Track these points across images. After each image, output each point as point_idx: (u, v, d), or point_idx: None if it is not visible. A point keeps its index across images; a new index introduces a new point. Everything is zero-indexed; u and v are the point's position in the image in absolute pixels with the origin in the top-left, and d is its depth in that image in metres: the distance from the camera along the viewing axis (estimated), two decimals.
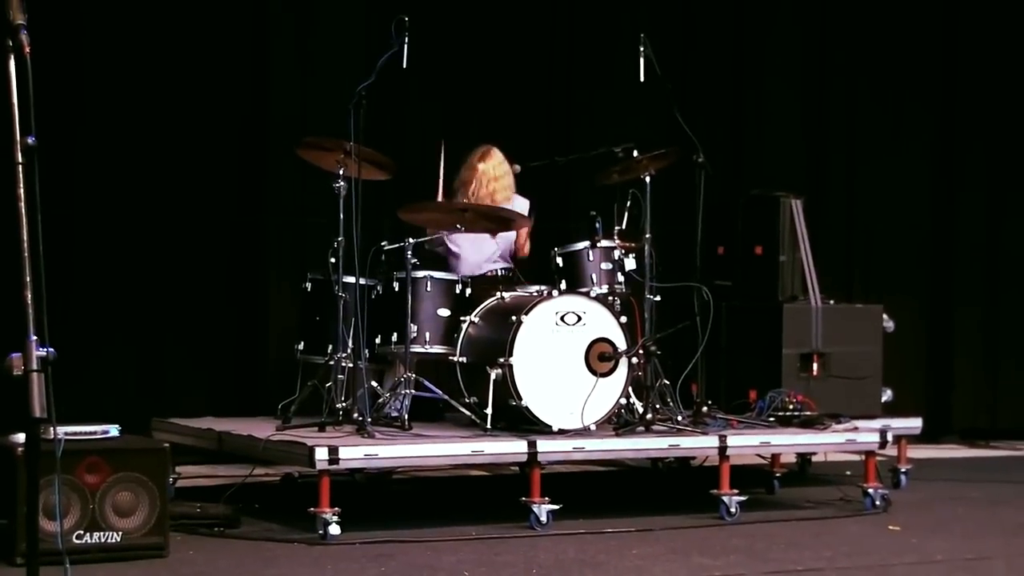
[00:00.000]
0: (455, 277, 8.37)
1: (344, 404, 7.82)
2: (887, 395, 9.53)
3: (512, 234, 8.86)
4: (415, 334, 8.07)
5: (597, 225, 8.34)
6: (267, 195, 9.84)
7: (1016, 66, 12.29)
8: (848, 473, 9.31)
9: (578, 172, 9.71)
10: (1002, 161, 12.31)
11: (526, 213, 8.72)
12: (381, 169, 8.20)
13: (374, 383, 8.17)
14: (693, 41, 11.27)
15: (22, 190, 4.25)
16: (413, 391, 7.95)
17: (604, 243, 8.36)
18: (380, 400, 8.06)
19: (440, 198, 8.57)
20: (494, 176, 8.86)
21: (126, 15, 9.41)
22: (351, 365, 7.96)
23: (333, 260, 7.89)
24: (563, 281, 8.29)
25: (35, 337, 4.17)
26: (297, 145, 8.19)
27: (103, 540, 6.26)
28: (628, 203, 8.44)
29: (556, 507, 7.36)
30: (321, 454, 6.92)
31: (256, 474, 8.10)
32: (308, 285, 8.41)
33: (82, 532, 6.22)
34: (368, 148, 7.93)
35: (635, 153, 8.49)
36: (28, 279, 4.20)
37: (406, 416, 7.76)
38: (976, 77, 12.21)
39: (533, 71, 10.67)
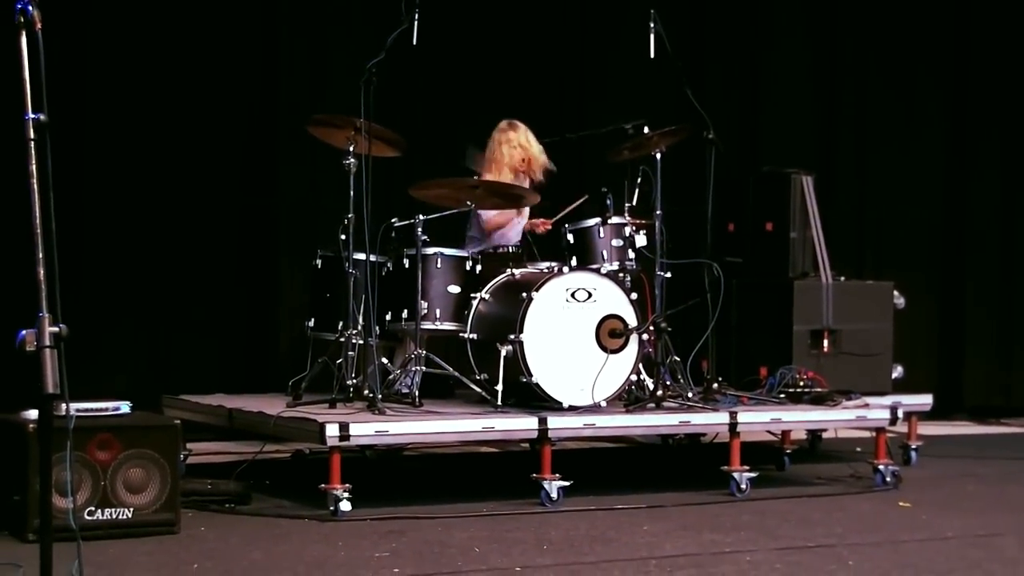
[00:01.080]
0: (465, 254, 8.36)
1: (355, 381, 7.82)
2: (898, 372, 9.53)
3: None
4: (425, 311, 8.07)
5: (608, 202, 8.34)
6: (278, 173, 9.85)
7: None
8: (858, 450, 9.32)
9: (590, 149, 9.70)
10: (1017, 136, 12.29)
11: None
12: (391, 146, 8.20)
13: (384, 360, 8.18)
14: (705, 17, 11.27)
15: (34, 167, 4.25)
16: (423, 368, 7.96)
17: (615, 220, 8.36)
18: (390, 377, 8.07)
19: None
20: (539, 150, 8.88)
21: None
22: (362, 342, 7.96)
23: (343, 237, 7.89)
24: (574, 258, 8.29)
25: (47, 314, 4.17)
26: (307, 123, 8.19)
27: (114, 516, 6.28)
28: (639, 180, 8.43)
29: (567, 484, 7.37)
30: (332, 431, 6.93)
31: (267, 451, 8.11)
32: (318, 262, 8.41)
33: (94, 508, 6.23)
34: (378, 125, 7.92)
35: (646, 130, 8.48)
36: (40, 256, 4.21)
37: (416, 393, 7.78)
38: (990, 49, 12.21)
39: (545, 48, 10.66)
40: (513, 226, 8.90)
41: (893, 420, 8.35)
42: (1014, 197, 12.28)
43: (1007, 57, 12.24)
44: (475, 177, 8.71)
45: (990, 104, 12.21)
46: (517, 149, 8.85)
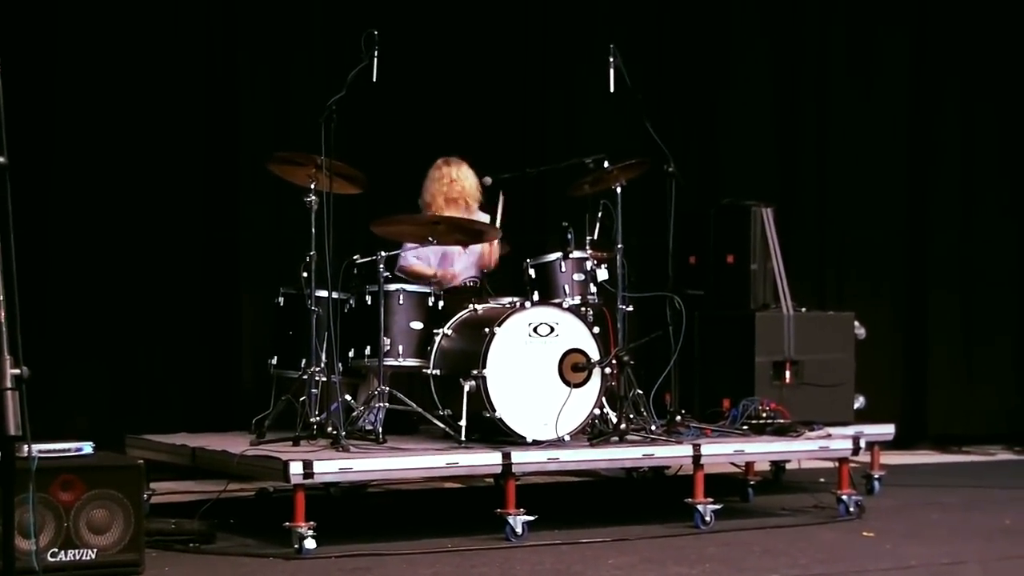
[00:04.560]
0: (427, 290, 8.37)
1: (318, 418, 7.82)
2: (860, 402, 9.56)
3: (481, 246, 8.88)
4: (388, 347, 8.07)
5: (569, 236, 8.36)
6: (240, 211, 9.84)
7: (987, 65, 12.35)
8: (822, 480, 9.34)
9: (551, 183, 9.73)
10: (979, 162, 12.35)
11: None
12: (353, 183, 8.21)
13: (348, 397, 8.17)
14: (666, 52, 11.31)
15: None
16: (387, 404, 7.96)
17: (576, 254, 8.37)
18: (354, 414, 8.06)
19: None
20: (467, 183, 8.89)
21: (98, 37, 9.43)
22: (325, 379, 7.95)
23: (305, 274, 7.89)
24: (535, 292, 8.29)
25: (9, 355, 4.16)
26: (268, 160, 8.19)
27: (78, 558, 6.24)
28: (599, 214, 8.45)
29: (531, 518, 7.37)
30: (296, 468, 6.92)
31: (231, 489, 8.10)
32: (281, 300, 8.41)
33: (57, 550, 6.20)
34: (339, 162, 7.93)
35: (606, 164, 8.50)
36: (2, 297, 4.20)
37: (380, 429, 7.77)
38: (948, 75, 12.25)
39: (506, 83, 10.69)
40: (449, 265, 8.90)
41: (856, 450, 8.38)
42: (975, 224, 12.34)
43: (966, 80, 12.30)
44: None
45: (950, 130, 12.27)
46: (441, 184, 8.89)
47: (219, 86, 9.84)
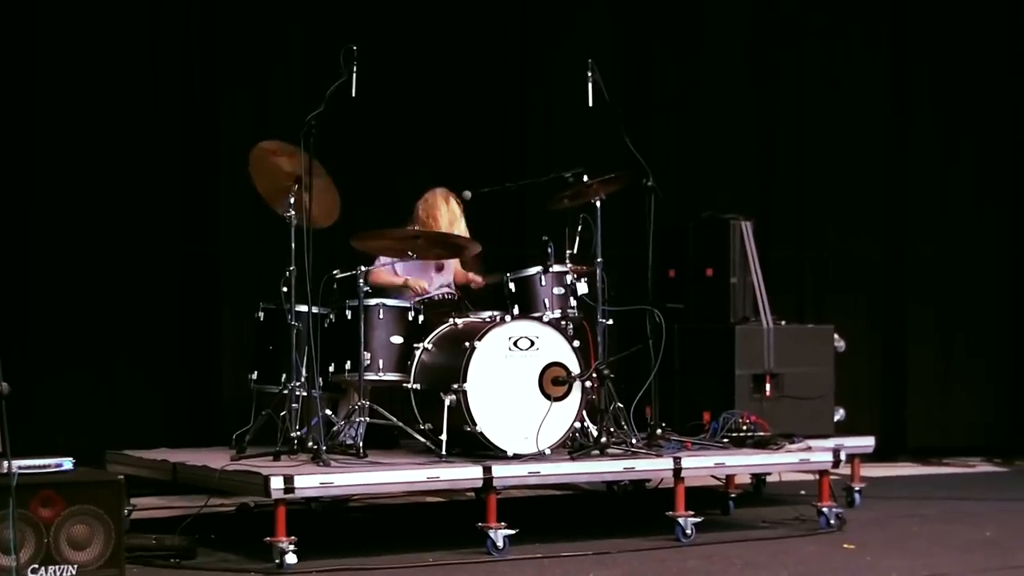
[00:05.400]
0: (407, 304, 8.38)
1: (299, 433, 7.81)
2: (840, 414, 9.58)
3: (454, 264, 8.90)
4: (368, 362, 8.07)
5: (549, 250, 8.37)
6: (220, 225, 9.83)
7: (964, 78, 12.38)
8: (802, 492, 9.35)
9: (530, 197, 9.74)
10: (958, 175, 12.38)
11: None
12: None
13: (328, 411, 8.17)
14: (646, 66, 11.31)
15: None
16: (367, 419, 7.95)
17: (556, 268, 8.39)
18: (335, 428, 8.06)
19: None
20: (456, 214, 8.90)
21: (78, 49, 9.42)
22: (305, 394, 7.94)
23: (285, 289, 7.88)
24: (516, 306, 8.31)
25: None
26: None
27: (59, 574, 6.24)
28: (579, 227, 8.46)
29: (513, 532, 7.37)
30: (276, 483, 6.92)
31: (211, 504, 8.09)
32: (261, 315, 8.40)
33: (37, 566, 6.19)
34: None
35: (585, 178, 8.52)
36: None
37: (361, 444, 7.77)
38: (928, 87, 12.28)
39: (486, 97, 10.68)
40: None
41: (836, 462, 8.40)
42: (953, 237, 12.36)
43: (946, 94, 12.33)
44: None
45: (927, 142, 12.30)
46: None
47: (199, 100, 9.83)
